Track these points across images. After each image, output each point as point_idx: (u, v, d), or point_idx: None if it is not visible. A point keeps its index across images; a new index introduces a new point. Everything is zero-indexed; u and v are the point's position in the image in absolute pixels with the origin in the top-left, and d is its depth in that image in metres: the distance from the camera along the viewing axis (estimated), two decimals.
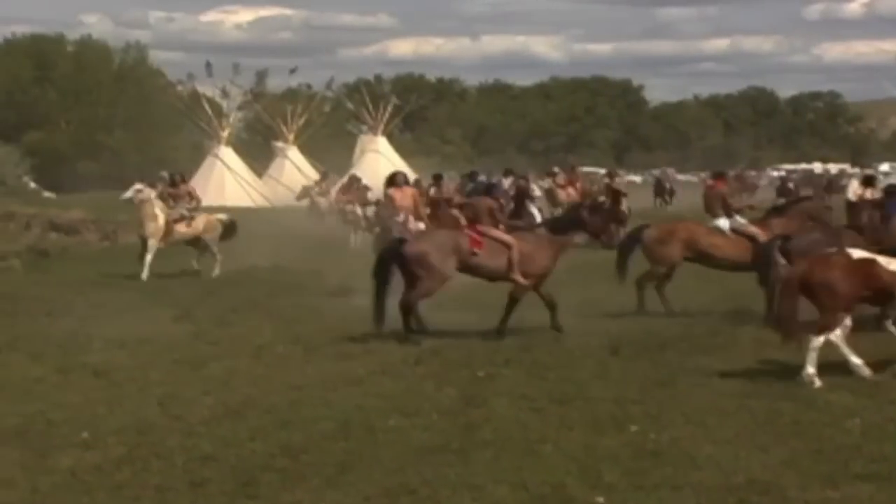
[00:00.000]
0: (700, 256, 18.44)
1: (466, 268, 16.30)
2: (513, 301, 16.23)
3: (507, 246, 16.31)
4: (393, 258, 16.12)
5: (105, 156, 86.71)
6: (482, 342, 15.43)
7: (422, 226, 20.39)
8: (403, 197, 20.38)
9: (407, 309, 15.91)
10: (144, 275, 23.88)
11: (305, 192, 42.26)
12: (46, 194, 64.56)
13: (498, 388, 12.61)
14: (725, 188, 19.75)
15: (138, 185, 25.35)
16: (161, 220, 24.67)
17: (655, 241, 18.46)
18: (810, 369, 12.54)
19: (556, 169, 44.41)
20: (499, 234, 16.56)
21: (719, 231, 18.41)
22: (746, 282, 19.27)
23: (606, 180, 42.29)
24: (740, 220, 18.63)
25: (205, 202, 53.40)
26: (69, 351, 15.12)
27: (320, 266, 24.49)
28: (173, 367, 14.03)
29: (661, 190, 53.15)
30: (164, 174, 27.16)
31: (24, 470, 9.62)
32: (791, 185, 59.78)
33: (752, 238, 18.24)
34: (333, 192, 40.41)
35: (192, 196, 26.09)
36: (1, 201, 40.69)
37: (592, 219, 17.11)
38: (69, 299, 20.48)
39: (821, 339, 12.64)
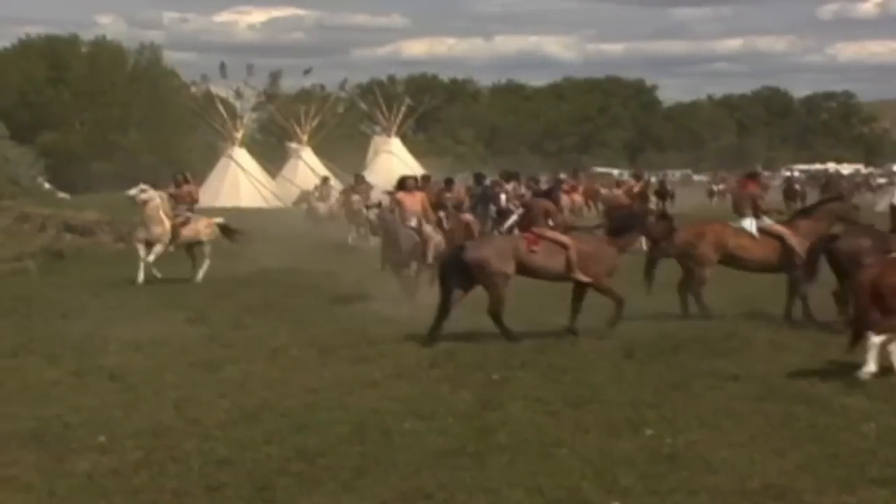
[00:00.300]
0: (727, 258, 18.36)
1: (526, 270, 16.44)
2: (611, 297, 16.50)
3: (565, 247, 16.43)
4: (454, 265, 16.25)
5: (119, 156, 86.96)
6: (497, 345, 15.43)
7: (430, 229, 20.38)
8: (413, 202, 20.46)
9: (496, 318, 16.05)
10: (140, 278, 23.48)
11: (304, 197, 41.95)
12: (61, 195, 64.70)
13: (513, 392, 12.62)
14: (757, 189, 19.69)
15: (143, 186, 24.98)
16: (167, 224, 24.33)
17: (685, 243, 18.38)
18: (872, 367, 12.59)
19: (562, 175, 44.13)
20: (555, 235, 16.68)
21: (746, 232, 18.38)
22: (760, 284, 19.27)
23: (634, 184, 41.72)
24: (767, 220, 18.61)
25: (219, 203, 53.49)
26: (85, 353, 15.14)
27: (335, 268, 24.51)
28: (189, 370, 14.06)
29: (665, 193, 53.36)
30: (186, 175, 26.81)
31: (42, 473, 9.65)
32: (797, 185, 59.69)
33: (779, 238, 18.21)
34: (333, 197, 40.11)
35: (192, 197, 25.72)
36: (16, 202, 40.75)
37: (656, 224, 17.28)
38: (84, 301, 20.52)
39: (882, 338, 12.70)
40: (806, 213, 19.28)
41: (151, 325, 17.52)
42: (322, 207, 39.47)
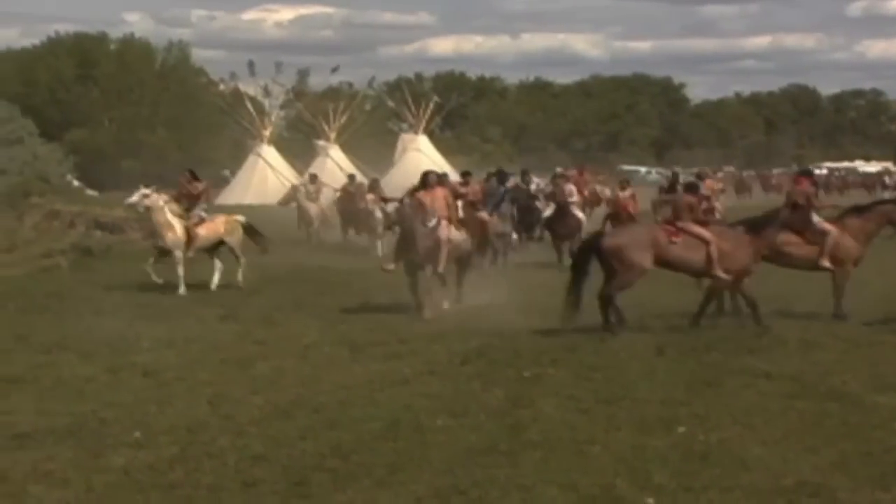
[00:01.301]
0: (774, 254, 18.28)
1: (664, 262, 16.66)
2: (711, 294, 16.84)
3: (706, 242, 16.56)
4: (591, 251, 16.51)
5: (147, 154, 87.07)
6: (528, 342, 15.46)
7: (454, 231, 19.64)
8: (434, 199, 19.52)
9: (605, 301, 16.22)
10: (181, 290, 21.97)
11: (292, 196, 37.37)
12: (90, 192, 64.84)
13: (545, 389, 12.64)
14: (811, 187, 19.59)
15: (145, 191, 23.12)
16: (179, 228, 22.67)
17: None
18: None
19: (558, 169, 42.28)
20: (697, 229, 16.83)
21: None
22: (790, 281, 19.21)
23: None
24: (816, 218, 18.61)
25: (247, 201, 53.37)
26: (118, 350, 15.23)
27: (365, 265, 24.55)
28: (221, 367, 14.13)
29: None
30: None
31: (78, 469, 9.70)
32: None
33: (826, 236, 18.23)
34: (323, 197, 36.57)
35: (202, 196, 24.28)
36: (45, 199, 40.87)
37: (794, 216, 17.34)
38: (116, 298, 20.61)
39: None
40: (857, 212, 19.10)
41: (183, 322, 17.64)
42: (313, 208, 35.55)
